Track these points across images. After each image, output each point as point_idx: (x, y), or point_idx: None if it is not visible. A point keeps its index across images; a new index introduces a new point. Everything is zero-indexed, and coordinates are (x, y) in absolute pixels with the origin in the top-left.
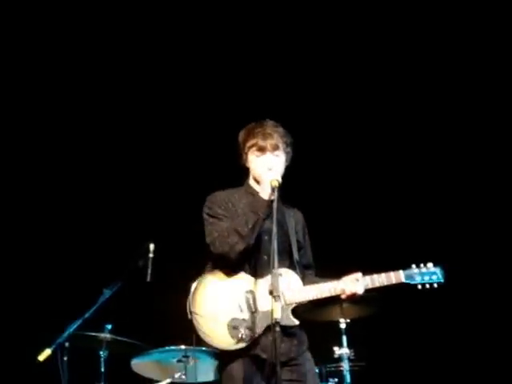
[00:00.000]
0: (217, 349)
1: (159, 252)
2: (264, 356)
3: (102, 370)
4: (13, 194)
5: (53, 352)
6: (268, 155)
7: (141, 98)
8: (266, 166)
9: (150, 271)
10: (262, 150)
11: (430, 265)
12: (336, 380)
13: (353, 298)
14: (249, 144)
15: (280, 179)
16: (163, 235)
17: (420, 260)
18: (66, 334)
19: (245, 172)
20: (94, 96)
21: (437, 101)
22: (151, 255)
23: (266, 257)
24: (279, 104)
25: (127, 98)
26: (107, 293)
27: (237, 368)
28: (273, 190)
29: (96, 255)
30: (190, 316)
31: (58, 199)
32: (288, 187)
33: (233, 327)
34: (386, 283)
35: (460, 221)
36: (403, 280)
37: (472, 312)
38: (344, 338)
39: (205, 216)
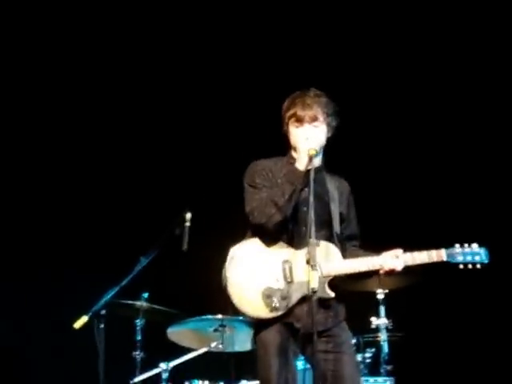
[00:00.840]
0: (249, 317)
1: (196, 221)
2: (298, 325)
3: (138, 338)
4: (51, 163)
5: (89, 320)
6: (306, 126)
7: (183, 66)
8: (304, 137)
9: (186, 240)
10: (300, 120)
11: (474, 245)
12: (373, 350)
13: (391, 274)
14: (289, 114)
15: (317, 149)
16: (201, 204)
17: (466, 241)
18: (102, 302)
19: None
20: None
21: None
22: (188, 224)
23: (304, 228)
24: (329, 71)
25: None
26: (144, 261)
27: (271, 336)
28: (310, 159)
29: (133, 223)
30: (224, 282)
31: (95, 166)
32: (336, 159)
33: (267, 296)
34: (426, 261)
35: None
36: (444, 258)
37: None
38: (382, 308)
39: (245, 185)
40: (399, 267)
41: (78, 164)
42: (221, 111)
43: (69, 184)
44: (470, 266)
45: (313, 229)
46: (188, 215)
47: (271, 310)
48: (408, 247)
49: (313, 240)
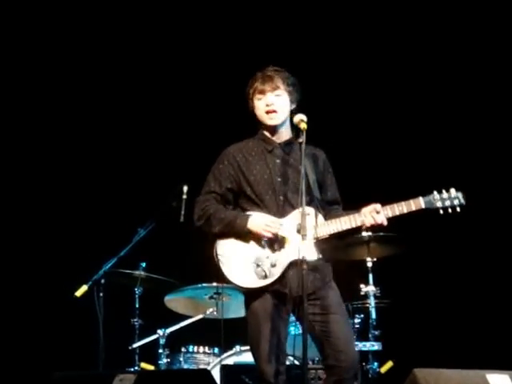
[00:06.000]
0: (241, 288)
1: (192, 194)
2: (285, 290)
3: (137, 305)
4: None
5: (89, 288)
6: (268, 95)
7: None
8: (265, 103)
9: (183, 212)
10: (262, 92)
11: (452, 190)
12: (362, 316)
13: (374, 228)
14: (251, 90)
15: (280, 115)
16: (197, 177)
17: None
18: (101, 272)
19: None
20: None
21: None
22: (185, 197)
23: (281, 197)
24: (302, 54)
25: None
26: (142, 232)
27: (259, 304)
28: (301, 132)
29: (131, 196)
30: (216, 259)
31: (95, 138)
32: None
33: (256, 265)
34: (405, 211)
35: (482, 148)
36: (423, 206)
37: (502, 251)
38: (370, 276)
39: (211, 169)
40: (385, 222)
41: (78, 136)
42: (217, 87)
43: (68, 155)
44: (449, 210)
45: (304, 199)
46: (185, 188)
47: (261, 279)
48: (386, 201)
49: (303, 210)
